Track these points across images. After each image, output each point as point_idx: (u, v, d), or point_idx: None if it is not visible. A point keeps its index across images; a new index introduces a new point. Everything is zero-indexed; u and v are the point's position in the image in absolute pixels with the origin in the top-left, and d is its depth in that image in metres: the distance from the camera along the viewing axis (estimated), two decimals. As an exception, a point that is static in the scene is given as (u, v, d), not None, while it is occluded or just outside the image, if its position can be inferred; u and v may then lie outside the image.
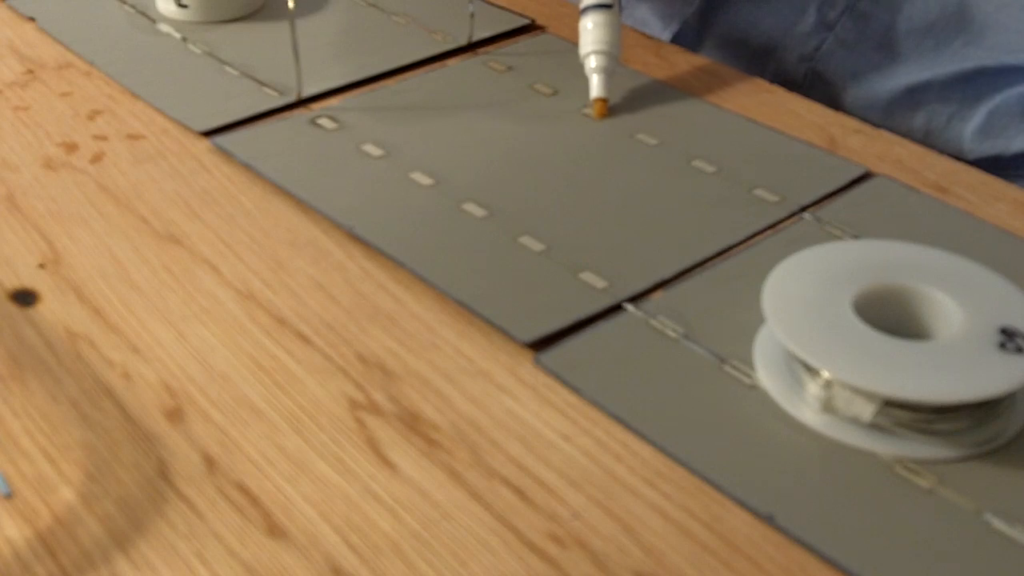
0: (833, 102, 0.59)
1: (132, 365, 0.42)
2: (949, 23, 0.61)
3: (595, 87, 0.56)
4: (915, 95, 0.63)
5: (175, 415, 0.40)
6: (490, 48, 0.63)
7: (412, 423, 0.39)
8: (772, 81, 0.60)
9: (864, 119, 0.56)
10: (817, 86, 0.65)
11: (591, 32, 0.56)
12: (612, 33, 0.56)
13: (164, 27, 0.64)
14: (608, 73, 0.56)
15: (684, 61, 0.62)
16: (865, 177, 0.52)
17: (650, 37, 0.64)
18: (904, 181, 0.52)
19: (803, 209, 0.49)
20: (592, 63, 0.56)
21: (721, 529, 0.36)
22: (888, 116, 0.63)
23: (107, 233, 0.48)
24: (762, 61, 0.67)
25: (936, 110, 0.62)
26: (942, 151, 0.54)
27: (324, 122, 0.55)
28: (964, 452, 0.38)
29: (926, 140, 0.55)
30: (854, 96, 0.64)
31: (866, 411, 0.38)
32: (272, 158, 0.53)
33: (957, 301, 0.40)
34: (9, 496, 0.36)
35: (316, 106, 0.57)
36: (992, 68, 0.61)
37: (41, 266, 0.46)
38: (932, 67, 0.62)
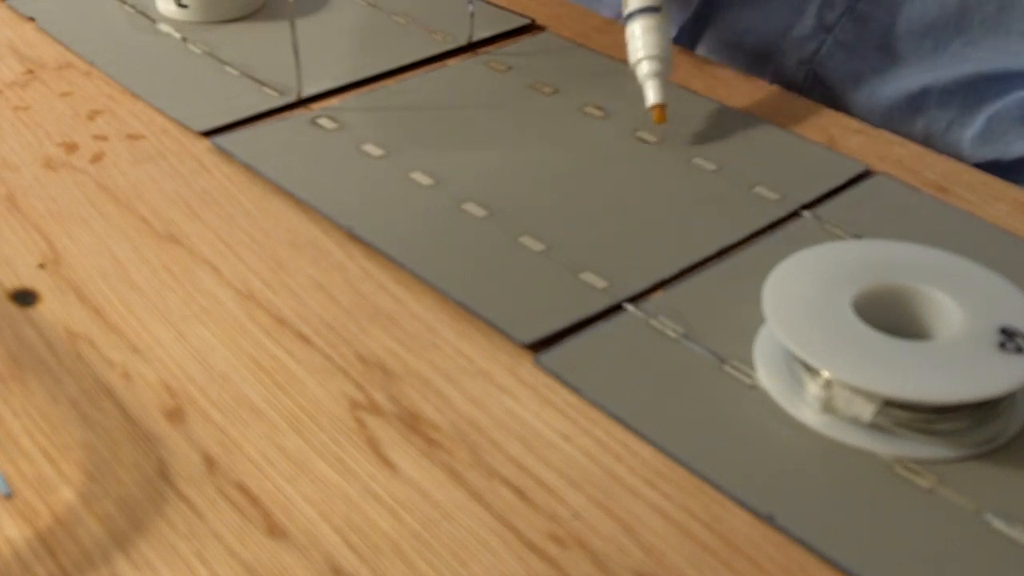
0: (833, 106, 0.59)
1: (132, 365, 0.42)
2: (949, 24, 0.61)
3: (652, 94, 0.53)
4: (915, 101, 0.62)
5: (175, 415, 0.40)
6: (490, 48, 0.63)
7: (412, 423, 0.39)
8: (775, 82, 0.60)
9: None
10: (817, 89, 0.65)
11: (640, 37, 0.54)
12: (663, 37, 0.54)
13: (164, 27, 0.64)
14: (663, 78, 0.53)
15: (684, 60, 0.62)
16: (865, 175, 0.52)
17: None
18: (904, 181, 0.52)
19: (803, 207, 0.50)
20: (645, 69, 0.54)
21: (721, 529, 0.36)
22: (888, 121, 0.63)
23: (107, 233, 0.48)
24: (761, 65, 0.67)
25: (936, 116, 0.62)
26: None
27: (324, 122, 0.55)
28: (964, 452, 0.38)
29: (925, 146, 0.55)
30: (854, 100, 0.64)
31: (866, 411, 0.38)
32: (272, 158, 0.53)
33: (957, 301, 0.40)
34: (9, 496, 0.36)
35: (316, 106, 0.57)
36: (993, 73, 0.61)
37: (41, 266, 0.46)
38: (932, 70, 0.62)
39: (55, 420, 0.39)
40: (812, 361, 0.38)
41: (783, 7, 0.66)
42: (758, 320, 0.42)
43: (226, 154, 0.53)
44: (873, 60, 0.64)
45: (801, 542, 0.35)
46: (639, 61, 0.54)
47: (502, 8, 0.66)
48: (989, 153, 0.61)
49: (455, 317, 0.44)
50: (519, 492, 0.37)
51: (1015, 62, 0.60)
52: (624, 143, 0.54)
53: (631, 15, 0.55)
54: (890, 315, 0.40)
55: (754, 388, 0.40)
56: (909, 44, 0.62)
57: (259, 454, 0.38)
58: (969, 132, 0.61)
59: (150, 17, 0.65)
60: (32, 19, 0.65)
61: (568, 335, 0.43)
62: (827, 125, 0.56)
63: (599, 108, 0.57)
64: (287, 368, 0.42)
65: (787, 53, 0.66)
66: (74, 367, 0.41)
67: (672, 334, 0.43)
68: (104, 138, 0.55)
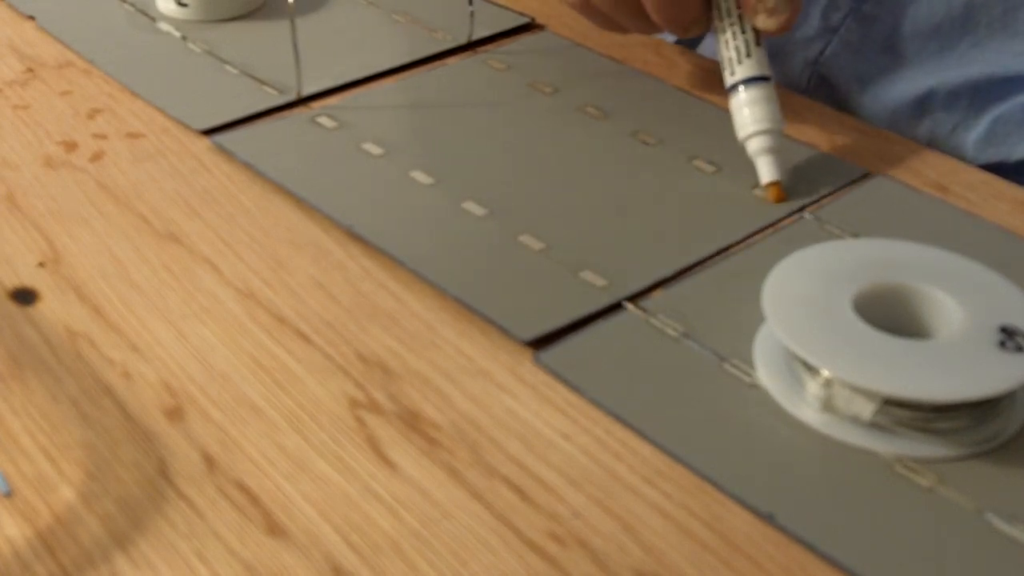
0: (838, 108, 0.59)
1: (132, 364, 0.42)
2: (955, 25, 0.61)
3: (766, 172, 0.50)
4: (920, 103, 0.62)
5: (175, 414, 0.40)
6: (490, 47, 0.63)
7: (412, 422, 0.39)
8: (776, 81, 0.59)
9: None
10: (822, 91, 0.65)
11: (752, 110, 0.50)
12: (774, 107, 0.50)
13: (164, 26, 0.64)
14: (777, 152, 0.50)
15: (684, 60, 0.62)
16: (865, 175, 0.52)
17: (650, 36, 0.64)
18: (904, 180, 0.52)
19: (803, 208, 0.49)
20: (756, 145, 0.50)
21: (721, 528, 0.36)
22: (892, 124, 0.63)
23: (107, 232, 0.48)
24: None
25: (941, 119, 0.62)
26: None
27: (324, 121, 0.55)
28: (964, 451, 0.38)
29: (929, 147, 0.55)
30: (859, 102, 0.64)
31: (866, 410, 0.38)
32: (272, 157, 0.53)
33: (957, 300, 0.40)
34: (9, 495, 0.36)
35: (316, 105, 0.57)
36: (999, 76, 0.61)
37: (41, 265, 0.46)
38: (938, 72, 0.62)
39: (55, 419, 0.39)
40: (812, 360, 0.38)
41: None
42: (758, 319, 0.42)
43: (226, 153, 0.53)
44: (878, 61, 0.63)
45: (801, 541, 0.35)
46: (750, 136, 0.50)
47: (502, 7, 0.66)
48: (993, 155, 0.61)
49: (455, 316, 0.44)
50: (519, 491, 0.37)
51: (1020, 63, 0.60)
52: (624, 143, 0.54)
53: (736, 85, 0.51)
54: (890, 314, 0.40)
55: (754, 387, 0.40)
56: (915, 45, 0.62)
57: (259, 453, 0.38)
58: (973, 135, 0.61)
59: (150, 16, 0.65)
60: (32, 18, 0.65)
61: (568, 334, 0.43)
62: (827, 125, 0.56)
63: (598, 108, 0.57)
64: (287, 367, 0.42)
65: (792, 54, 0.66)
66: (74, 366, 0.41)
67: (672, 333, 0.43)
68: (104, 137, 0.55)
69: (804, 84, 0.66)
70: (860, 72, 0.64)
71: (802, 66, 0.66)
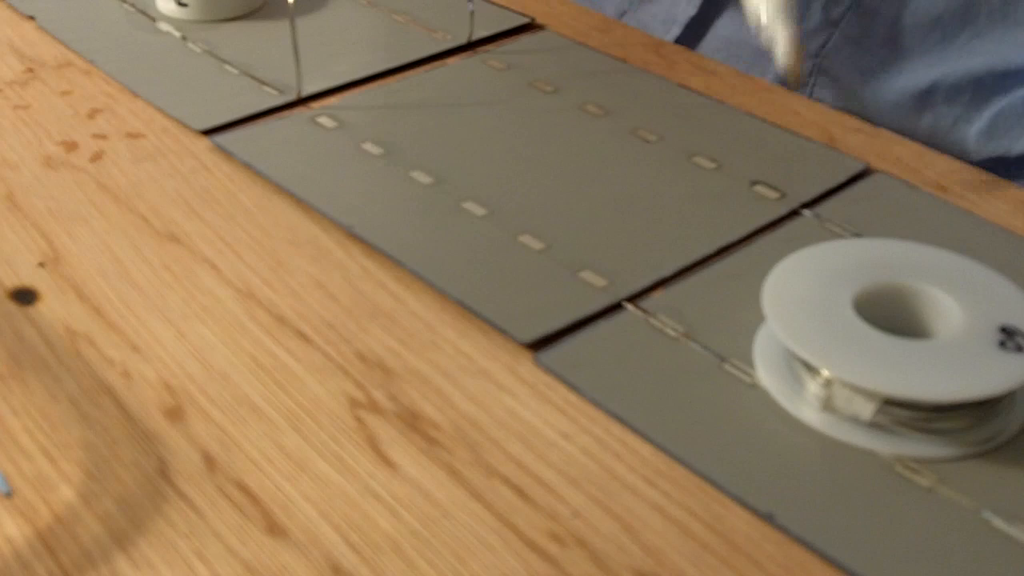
0: (840, 102, 0.59)
1: (132, 364, 0.42)
2: (955, 16, 0.61)
3: (783, 54, 0.49)
4: (922, 97, 0.62)
5: (175, 414, 0.40)
6: (490, 47, 0.63)
7: (412, 422, 0.39)
8: (776, 82, 0.59)
9: (871, 120, 0.56)
10: (824, 85, 0.65)
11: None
12: None
13: (164, 26, 0.64)
14: (794, 40, 0.49)
15: (684, 59, 0.62)
16: (865, 174, 0.52)
17: (651, 36, 0.64)
18: (905, 179, 0.52)
19: (803, 206, 0.49)
20: (774, 30, 0.49)
21: (721, 528, 0.36)
22: (894, 118, 0.63)
23: (107, 232, 0.48)
24: (766, 60, 0.67)
25: (942, 112, 0.62)
26: (947, 153, 0.54)
27: (324, 121, 0.55)
28: (964, 451, 0.38)
29: (931, 141, 0.55)
30: (861, 96, 0.64)
31: (866, 410, 0.38)
32: (272, 157, 0.53)
33: (957, 300, 0.40)
34: (9, 495, 0.36)
35: (316, 105, 0.57)
36: (1000, 69, 0.61)
37: (41, 265, 0.46)
38: (939, 65, 0.62)
39: (55, 419, 0.39)
40: (812, 360, 0.38)
41: None
42: (758, 319, 0.42)
43: (226, 153, 0.53)
44: (880, 54, 0.63)
45: (801, 541, 0.35)
46: (768, 23, 0.50)
47: (502, 7, 0.66)
48: (994, 149, 0.61)
49: (455, 316, 0.44)
50: (519, 491, 0.37)
51: (1021, 55, 0.60)
52: (624, 142, 0.54)
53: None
54: (890, 314, 0.40)
55: (754, 387, 0.40)
56: (916, 37, 0.62)
57: (259, 453, 0.38)
58: (974, 128, 0.62)
59: (150, 16, 0.65)
60: (32, 18, 0.65)
61: (568, 334, 0.43)
62: (827, 124, 0.56)
63: (599, 107, 0.57)
64: (287, 367, 0.42)
65: None
66: (74, 366, 0.41)
67: (672, 333, 0.43)
68: (104, 137, 0.55)
69: (806, 78, 0.66)
70: (862, 65, 0.64)
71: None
